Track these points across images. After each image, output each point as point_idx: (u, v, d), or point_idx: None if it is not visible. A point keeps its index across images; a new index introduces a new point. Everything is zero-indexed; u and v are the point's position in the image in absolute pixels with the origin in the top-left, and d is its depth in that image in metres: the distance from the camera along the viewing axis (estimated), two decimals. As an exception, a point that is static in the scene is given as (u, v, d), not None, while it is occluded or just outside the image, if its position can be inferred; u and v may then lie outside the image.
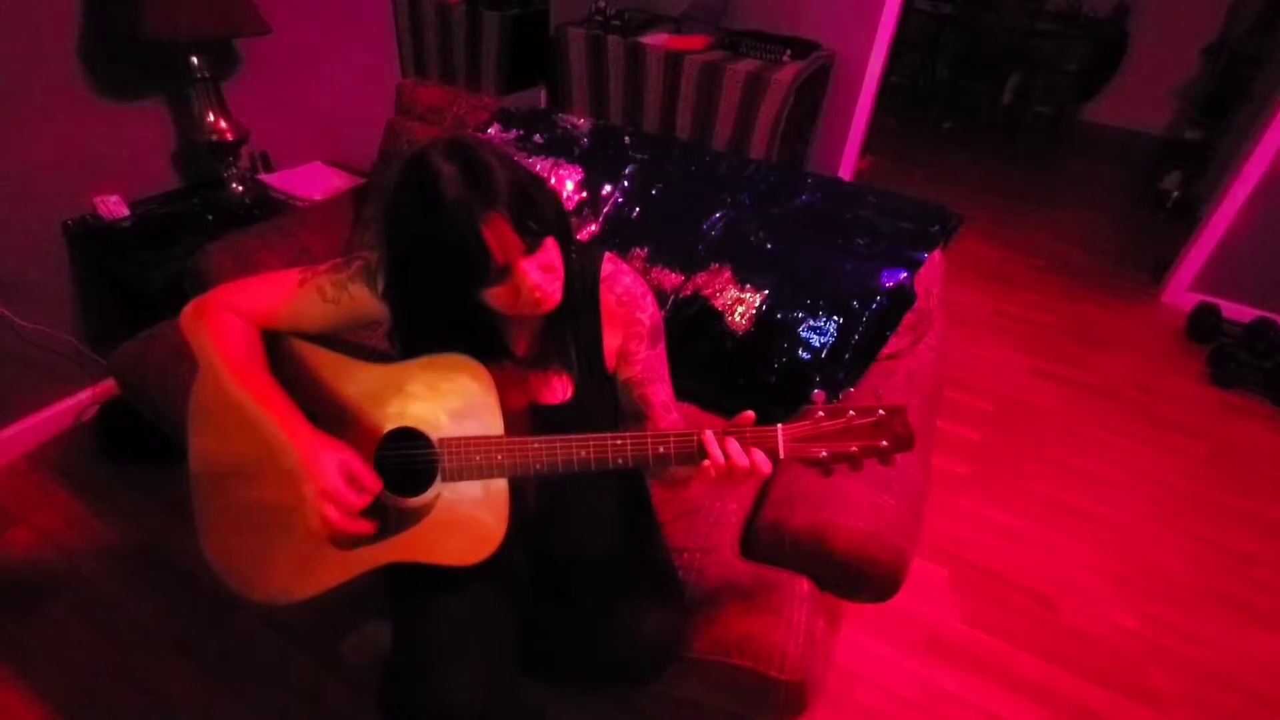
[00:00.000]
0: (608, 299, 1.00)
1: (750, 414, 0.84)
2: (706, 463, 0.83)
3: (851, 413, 0.82)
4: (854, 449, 0.82)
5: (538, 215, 0.82)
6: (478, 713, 0.90)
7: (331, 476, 0.84)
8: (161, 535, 1.68)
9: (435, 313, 0.90)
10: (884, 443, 0.82)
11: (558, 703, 1.38)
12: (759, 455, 0.82)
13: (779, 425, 0.83)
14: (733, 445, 0.82)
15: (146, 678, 1.42)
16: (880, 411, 0.82)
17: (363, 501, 0.86)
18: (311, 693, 1.41)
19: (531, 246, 0.82)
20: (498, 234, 0.78)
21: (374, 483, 0.87)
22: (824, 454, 0.82)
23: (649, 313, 1.01)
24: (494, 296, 0.84)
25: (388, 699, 0.94)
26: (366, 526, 0.87)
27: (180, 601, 1.55)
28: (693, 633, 1.10)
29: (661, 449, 0.86)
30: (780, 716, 1.15)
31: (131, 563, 1.63)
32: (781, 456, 0.83)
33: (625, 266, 1.03)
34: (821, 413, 0.82)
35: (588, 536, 1.09)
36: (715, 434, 0.83)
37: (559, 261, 0.87)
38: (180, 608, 1.54)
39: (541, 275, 0.84)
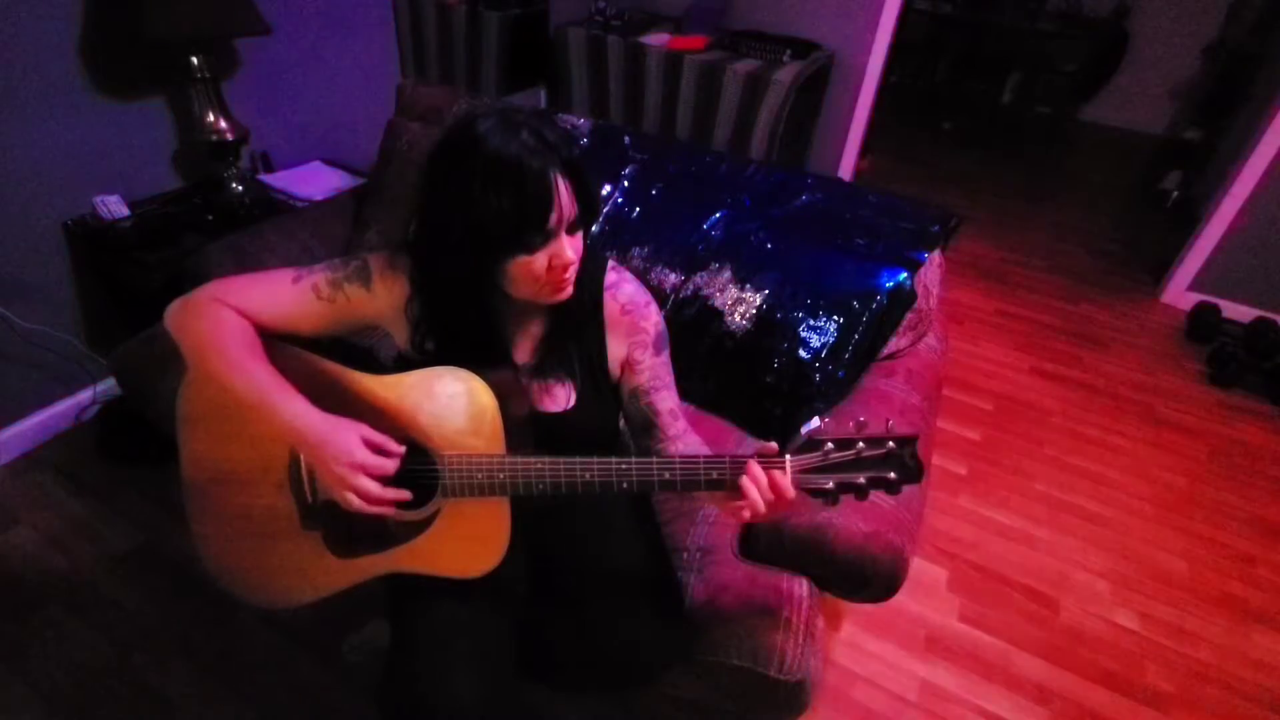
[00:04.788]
0: (611, 307, 1.00)
1: (773, 445, 0.83)
2: (744, 509, 0.82)
3: (861, 444, 0.80)
4: (861, 480, 0.81)
5: (588, 195, 0.85)
6: (476, 714, 0.90)
7: (358, 449, 0.83)
8: (161, 535, 1.68)
9: (457, 285, 0.88)
10: (892, 474, 0.81)
11: (557, 703, 1.38)
12: (781, 481, 0.81)
13: (786, 456, 0.82)
14: (762, 480, 0.81)
15: (146, 678, 1.42)
16: (890, 444, 0.80)
17: (392, 466, 0.85)
18: (311, 693, 1.41)
19: (576, 224, 0.85)
20: (565, 190, 0.81)
21: (396, 446, 0.87)
22: (831, 485, 0.81)
23: (653, 320, 1.01)
24: (523, 266, 0.84)
25: (387, 700, 0.94)
26: (403, 494, 0.86)
27: (180, 601, 1.55)
28: (692, 633, 1.10)
29: (668, 475, 0.85)
30: (780, 716, 1.15)
31: (131, 563, 1.63)
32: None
33: (629, 275, 1.03)
34: (830, 443, 0.81)
35: (588, 539, 1.09)
36: (748, 474, 0.82)
37: (582, 253, 0.88)
38: (180, 608, 1.54)
39: (573, 255, 0.85)
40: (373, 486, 0.84)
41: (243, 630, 1.50)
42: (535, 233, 0.81)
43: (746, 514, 0.83)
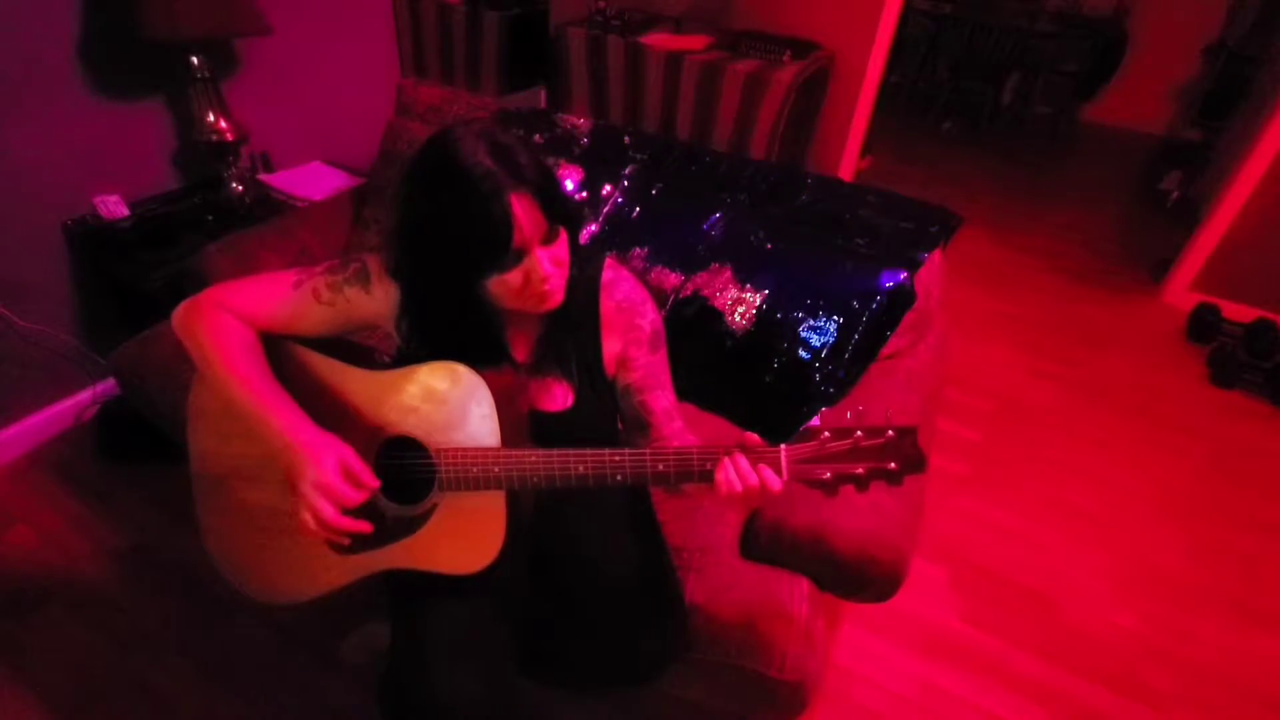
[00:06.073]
0: (607, 305, 0.99)
1: (754, 436, 0.83)
2: (720, 479, 0.82)
3: (859, 433, 0.79)
4: (860, 470, 0.80)
5: (560, 203, 0.84)
6: (476, 713, 0.90)
7: (328, 470, 0.83)
8: (161, 535, 1.68)
9: (441, 300, 0.89)
10: (892, 465, 0.79)
11: (557, 703, 1.38)
12: (768, 473, 0.81)
13: (782, 446, 0.81)
14: (743, 465, 0.81)
15: (146, 678, 1.42)
16: (890, 433, 0.79)
17: (359, 498, 0.85)
18: (311, 692, 1.41)
19: (550, 235, 0.83)
20: (526, 211, 0.79)
21: (371, 480, 0.86)
22: (828, 475, 0.80)
23: (649, 318, 1.01)
24: (501, 284, 0.84)
25: (386, 699, 0.94)
26: (363, 526, 0.86)
27: (180, 601, 1.55)
28: (692, 633, 1.10)
29: (661, 467, 0.85)
30: (780, 716, 1.15)
31: (131, 563, 1.63)
32: (783, 478, 0.81)
33: (625, 273, 1.03)
34: (827, 433, 0.80)
35: (588, 538, 1.09)
36: (725, 457, 0.82)
37: (567, 258, 0.87)
38: (180, 607, 1.54)
39: (552, 267, 0.84)
40: (329, 511, 0.83)
41: (243, 630, 1.50)
42: (501, 256, 0.81)
43: (724, 491, 0.82)
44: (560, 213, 0.84)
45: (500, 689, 0.96)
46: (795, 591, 1.15)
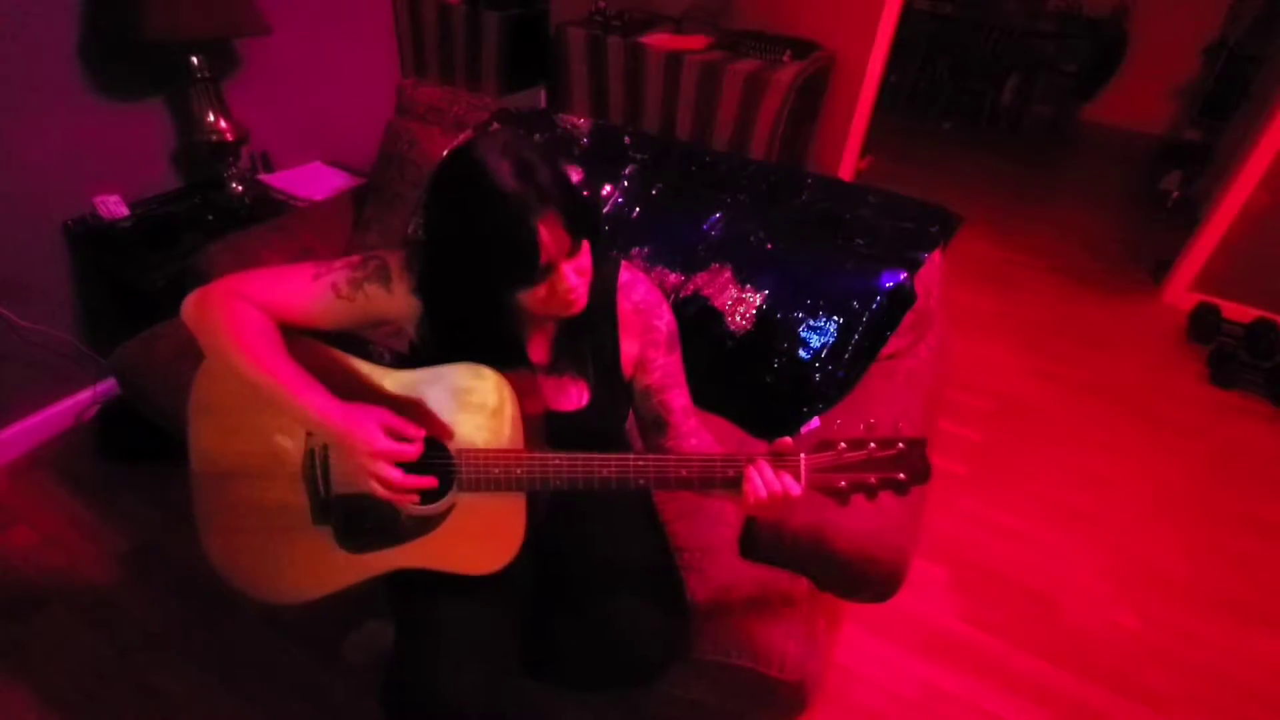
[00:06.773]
0: (624, 306, 1.00)
1: (788, 441, 0.84)
2: (747, 489, 0.84)
3: (873, 445, 0.83)
4: (872, 480, 0.83)
5: (581, 216, 0.84)
6: (480, 712, 0.90)
7: (379, 437, 0.84)
8: (161, 535, 1.68)
9: (465, 307, 0.89)
10: (901, 475, 0.83)
11: (559, 702, 1.39)
12: (789, 480, 0.83)
13: (801, 454, 0.84)
14: (767, 473, 0.83)
15: (147, 678, 1.42)
16: (900, 445, 0.82)
17: (414, 450, 0.86)
18: (313, 692, 1.41)
19: (575, 249, 0.84)
20: (552, 232, 0.79)
21: (416, 430, 0.87)
22: (843, 484, 0.83)
23: (665, 320, 1.02)
24: (528, 297, 0.85)
25: (390, 698, 0.94)
26: (429, 481, 0.87)
27: (181, 601, 1.55)
28: (693, 634, 1.10)
29: (684, 473, 0.86)
30: (780, 716, 1.15)
31: (131, 563, 1.63)
32: (802, 485, 0.84)
33: (641, 275, 1.04)
34: (844, 444, 0.83)
35: (595, 537, 1.09)
36: (753, 466, 0.84)
37: (589, 266, 0.88)
38: (181, 607, 1.54)
39: (576, 278, 0.85)
40: (395, 474, 0.84)
41: (243, 629, 1.50)
42: (528, 275, 0.82)
43: (751, 500, 0.83)
44: (583, 225, 0.84)
45: (504, 686, 0.96)
46: (796, 592, 1.15)
